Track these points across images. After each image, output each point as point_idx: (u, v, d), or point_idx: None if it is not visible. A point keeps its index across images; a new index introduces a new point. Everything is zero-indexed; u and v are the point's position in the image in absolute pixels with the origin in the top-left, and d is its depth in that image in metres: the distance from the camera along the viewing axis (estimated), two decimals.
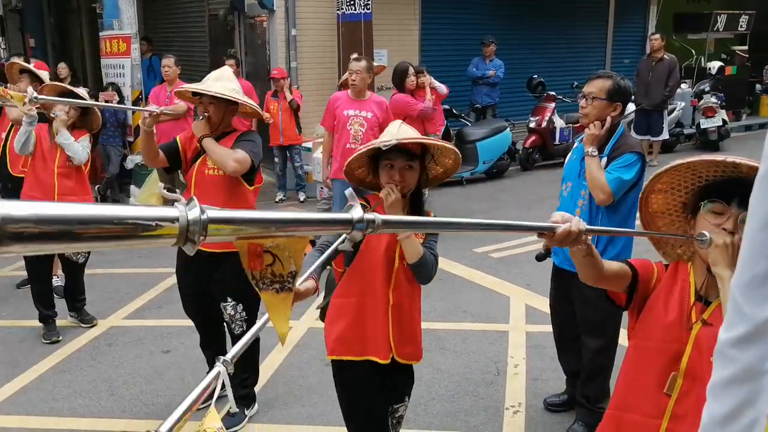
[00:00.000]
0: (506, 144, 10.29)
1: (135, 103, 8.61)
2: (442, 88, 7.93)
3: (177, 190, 7.82)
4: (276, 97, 8.75)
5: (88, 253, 5.14)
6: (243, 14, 10.46)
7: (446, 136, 9.69)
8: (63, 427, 3.94)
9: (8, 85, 5.68)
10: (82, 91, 5.18)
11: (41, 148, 4.82)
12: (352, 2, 9.54)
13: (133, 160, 8.59)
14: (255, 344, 3.92)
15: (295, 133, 8.86)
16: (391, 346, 2.73)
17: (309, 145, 9.26)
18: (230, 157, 3.55)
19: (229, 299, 3.78)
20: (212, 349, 4.05)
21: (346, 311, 2.76)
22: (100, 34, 9.10)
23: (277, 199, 9.10)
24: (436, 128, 7.39)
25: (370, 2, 9.28)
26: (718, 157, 1.95)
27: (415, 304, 2.84)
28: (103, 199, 8.87)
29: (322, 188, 9.15)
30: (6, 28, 23.69)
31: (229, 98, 3.57)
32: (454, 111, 10.04)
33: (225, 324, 3.93)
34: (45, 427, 3.97)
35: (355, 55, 6.47)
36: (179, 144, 3.76)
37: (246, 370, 3.93)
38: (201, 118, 3.68)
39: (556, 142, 10.90)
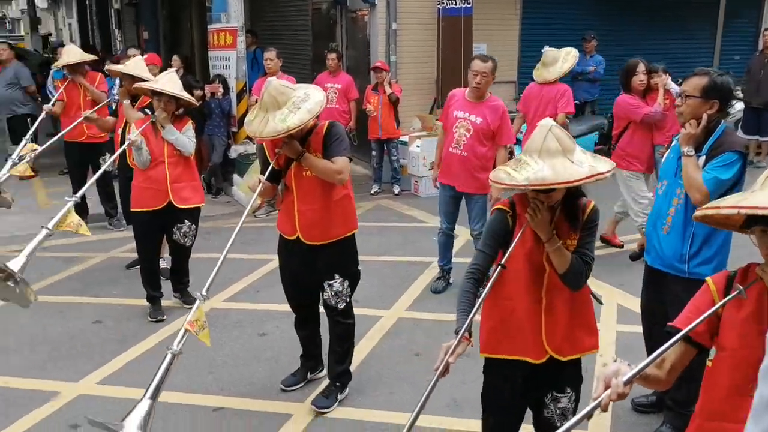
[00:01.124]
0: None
1: (240, 94, 8.92)
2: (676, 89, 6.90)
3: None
4: (376, 90, 8.86)
5: (195, 236, 5.39)
6: (345, 8, 10.64)
7: None
8: (164, 400, 4.16)
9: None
10: (173, 80, 5.20)
11: (149, 143, 5.05)
12: None
13: (236, 150, 8.91)
14: (352, 324, 4.12)
15: (394, 127, 8.94)
16: (545, 346, 2.75)
17: (405, 138, 9.34)
18: (333, 170, 3.67)
19: (337, 276, 3.95)
20: (308, 328, 4.29)
21: (499, 311, 2.81)
22: (209, 27, 9.48)
23: (372, 191, 9.22)
24: (665, 138, 5.89)
25: None
26: None
27: (576, 301, 2.78)
28: (208, 186, 9.25)
29: (416, 181, 9.23)
30: (123, 21, 25.09)
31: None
32: None
33: (323, 302, 4.07)
34: None
35: (479, 54, 5.89)
36: (268, 156, 3.85)
37: (344, 344, 4.09)
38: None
39: None
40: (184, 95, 5.02)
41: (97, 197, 7.80)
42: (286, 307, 4.31)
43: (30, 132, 6.29)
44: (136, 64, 5.87)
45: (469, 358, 2.99)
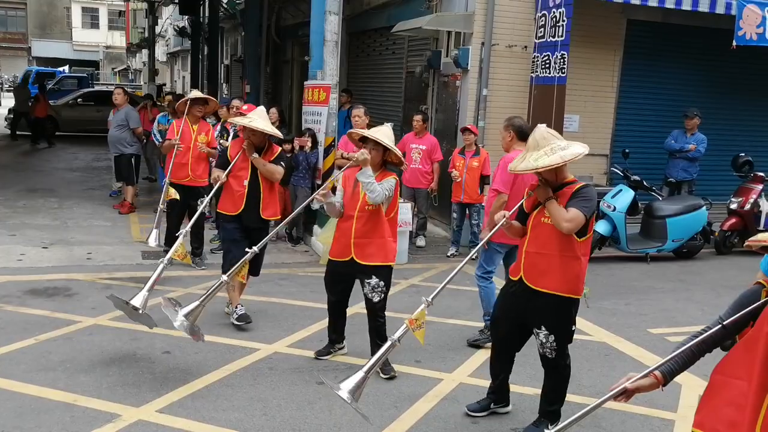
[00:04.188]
0: (700, 223, 9.60)
1: (327, 149, 9.17)
2: None
3: None
4: (463, 154, 8.91)
5: (383, 293, 5.21)
6: (438, 72, 10.86)
7: (633, 209, 9.28)
8: None
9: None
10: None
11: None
12: (547, 66, 9.55)
13: (318, 202, 9.10)
14: (566, 372, 4.41)
15: (477, 192, 8.93)
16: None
17: None
18: (563, 217, 3.98)
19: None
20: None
21: (729, 391, 2.67)
22: (305, 83, 9.86)
23: (449, 254, 9.17)
24: None
25: (566, 66, 9.21)
26: None
27: None
28: (288, 236, 9.48)
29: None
30: (230, 76, 26.43)
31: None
32: (645, 183, 9.58)
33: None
34: None
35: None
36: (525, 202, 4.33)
37: (556, 390, 4.42)
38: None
39: (761, 227, 9.99)
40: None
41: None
42: (347, 359, 4.32)
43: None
44: (259, 115, 6.01)
45: None
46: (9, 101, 34.23)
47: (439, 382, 5.20)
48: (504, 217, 4.21)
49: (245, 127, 5.83)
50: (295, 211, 6.00)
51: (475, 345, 5.98)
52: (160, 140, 10.88)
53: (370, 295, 5.16)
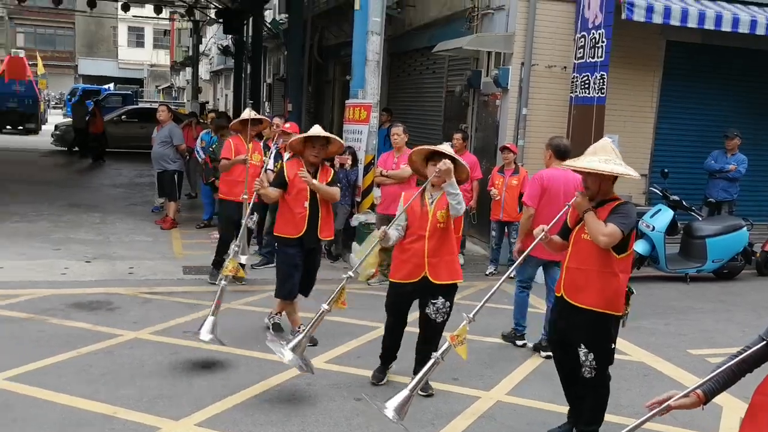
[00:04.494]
0: (741, 244, 9.43)
1: (367, 167, 9.25)
2: None
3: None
4: (502, 173, 8.92)
5: (447, 313, 5.18)
6: (478, 91, 10.90)
7: (672, 229, 9.16)
8: None
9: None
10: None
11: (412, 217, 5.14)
12: (586, 85, 9.52)
13: (358, 219, 9.18)
14: (604, 392, 4.38)
15: (516, 210, 8.90)
16: None
17: None
18: (600, 232, 4.04)
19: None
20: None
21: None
22: (346, 102, 9.99)
23: (487, 272, 9.15)
24: None
25: (605, 87, 9.17)
26: None
27: None
28: (328, 253, 9.55)
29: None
30: (272, 94, 26.83)
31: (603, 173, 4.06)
32: (684, 203, 9.45)
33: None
34: None
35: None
36: (568, 218, 4.34)
37: (594, 410, 4.39)
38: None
39: None
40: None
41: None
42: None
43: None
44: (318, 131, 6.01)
45: None
46: (56, 118, 35.34)
47: (477, 400, 5.18)
48: (543, 231, 4.20)
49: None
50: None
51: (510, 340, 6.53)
52: (203, 157, 11.10)
53: (433, 315, 5.04)
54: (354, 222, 9.26)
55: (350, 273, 5.03)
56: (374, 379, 5.38)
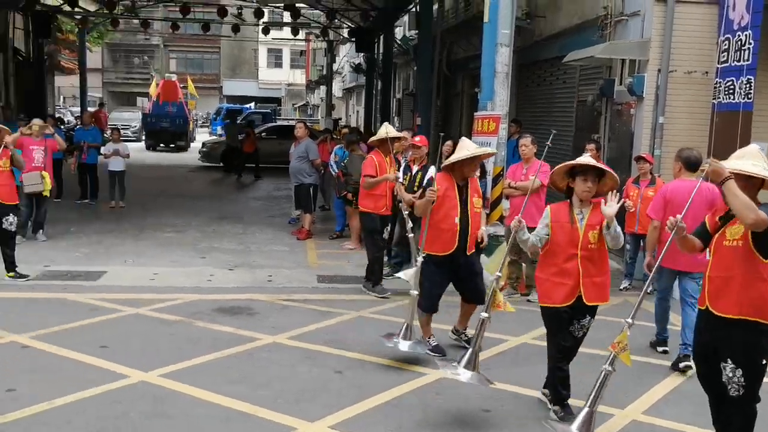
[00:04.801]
0: None
1: (496, 179, 9.22)
2: None
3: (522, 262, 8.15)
4: (637, 183, 8.64)
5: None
6: (611, 101, 10.60)
7: None
8: None
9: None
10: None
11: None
12: (731, 91, 9.00)
13: (486, 231, 9.15)
14: (752, 413, 4.01)
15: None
16: None
17: None
18: (747, 206, 3.63)
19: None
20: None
21: None
22: (475, 114, 10.02)
23: (621, 287, 8.85)
24: None
25: (752, 92, 8.64)
26: None
27: None
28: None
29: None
30: (402, 109, 27.31)
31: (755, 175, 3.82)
32: None
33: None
34: None
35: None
36: (707, 223, 4.09)
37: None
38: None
39: None
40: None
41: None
42: (511, 387, 4.31)
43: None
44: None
45: None
46: (203, 136, 37.75)
47: (611, 418, 5.04)
48: (676, 222, 3.86)
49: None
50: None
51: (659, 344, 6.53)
52: (336, 171, 11.50)
53: (579, 333, 4.91)
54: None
55: (497, 273, 4.95)
56: (558, 418, 4.90)
